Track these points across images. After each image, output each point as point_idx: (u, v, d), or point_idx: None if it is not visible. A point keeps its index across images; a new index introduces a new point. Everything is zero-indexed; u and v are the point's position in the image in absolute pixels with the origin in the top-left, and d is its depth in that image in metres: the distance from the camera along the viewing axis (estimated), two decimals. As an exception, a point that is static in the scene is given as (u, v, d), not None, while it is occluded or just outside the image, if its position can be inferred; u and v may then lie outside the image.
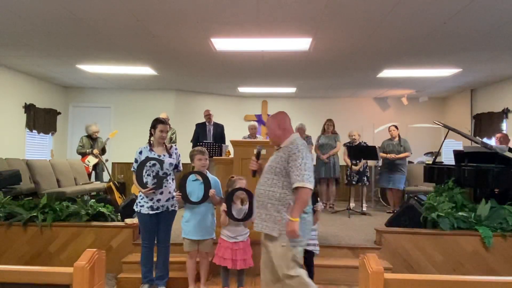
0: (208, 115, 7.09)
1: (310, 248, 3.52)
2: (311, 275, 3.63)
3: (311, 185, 2.63)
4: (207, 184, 3.54)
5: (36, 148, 8.16)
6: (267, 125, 3.03)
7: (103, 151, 7.42)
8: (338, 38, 5.13)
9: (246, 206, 3.51)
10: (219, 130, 7.10)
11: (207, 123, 7.09)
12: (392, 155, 6.64)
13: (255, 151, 3.14)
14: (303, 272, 2.69)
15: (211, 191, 3.54)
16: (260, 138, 7.54)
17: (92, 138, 7.34)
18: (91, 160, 7.23)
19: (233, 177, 3.66)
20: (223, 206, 3.48)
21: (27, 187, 6.16)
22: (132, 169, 3.67)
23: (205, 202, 3.58)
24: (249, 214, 3.45)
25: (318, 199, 3.60)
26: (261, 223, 2.77)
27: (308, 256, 3.59)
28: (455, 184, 4.68)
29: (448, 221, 4.22)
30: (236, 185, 3.53)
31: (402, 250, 4.24)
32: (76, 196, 5.37)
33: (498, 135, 6.18)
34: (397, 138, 6.80)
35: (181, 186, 3.55)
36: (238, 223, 3.49)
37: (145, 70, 7.12)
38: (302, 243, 2.71)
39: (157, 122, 3.66)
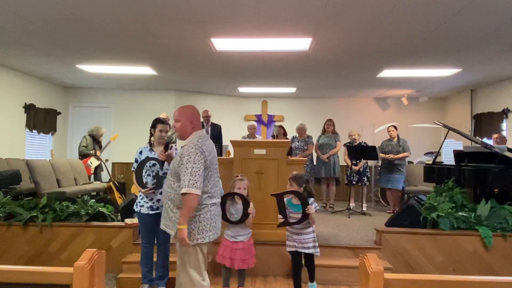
0: (206, 116, 7.08)
1: (310, 251, 3.50)
2: (311, 277, 3.62)
3: (196, 191, 2.54)
4: None
5: (36, 148, 8.16)
6: (176, 117, 2.79)
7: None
8: (338, 38, 5.13)
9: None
10: (217, 131, 7.11)
11: (205, 124, 7.09)
12: (391, 156, 6.64)
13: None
14: (197, 280, 2.65)
15: None
16: (259, 138, 7.54)
17: (95, 139, 7.32)
18: (94, 162, 7.21)
19: (237, 176, 3.66)
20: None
21: (27, 187, 6.16)
22: (132, 169, 3.67)
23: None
24: (243, 216, 3.45)
25: (313, 199, 3.55)
26: (163, 221, 2.81)
27: (309, 258, 3.57)
28: (455, 184, 4.68)
29: (448, 221, 4.22)
30: (235, 185, 3.53)
31: (402, 250, 4.24)
32: (76, 196, 5.37)
33: (495, 135, 6.17)
34: (396, 139, 6.80)
35: None
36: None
37: (145, 70, 7.12)
38: (204, 240, 2.66)
39: (157, 122, 3.66)
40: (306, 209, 3.41)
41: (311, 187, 3.66)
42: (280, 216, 3.50)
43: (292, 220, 3.49)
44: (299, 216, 3.45)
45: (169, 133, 3.81)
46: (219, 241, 3.68)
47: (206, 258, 2.74)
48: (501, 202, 4.41)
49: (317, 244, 3.56)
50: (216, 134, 7.06)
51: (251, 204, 3.48)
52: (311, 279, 3.63)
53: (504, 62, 6.17)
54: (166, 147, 3.30)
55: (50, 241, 4.39)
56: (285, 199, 3.57)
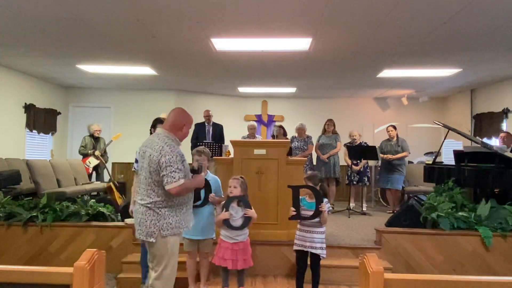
0: (207, 116, 7.08)
1: (317, 251, 3.49)
2: (315, 283, 3.58)
3: None
4: (207, 186, 3.52)
5: (36, 148, 8.16)
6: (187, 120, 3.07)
7: (105, 152, 7.45)
8: (338, 38, 5.13)
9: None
10: (218, 130, 7.10)
11: (206, 123, 7.09)
12: (389, 156, 6.64)
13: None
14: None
15: (211, 196, 3.53)
16: (259, 138, 7.54)
17: (94, 138, 7.35)
18: (92, 162, 7.24)
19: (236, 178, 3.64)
20: (220, 211, 3.46)
21: (27, 187, 6.16)
22: (133, 169, 3.68)
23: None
24: (246, 221, 3.44)
25: (327, 200, 3.54)
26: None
27: (315, 260, 3.55)
28: (455, 184, 4.68)
29: (448, 221, 4.22)
30: (229, 184, 3.53)
31: (402, 250, 4.24)
32: (76, 196, 5.37)
33: (502, 134, 6.16)
34: (395, 139, 6.80)
35: None
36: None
37: (145, 70, 7.12)
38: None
39: (157, 122, 3.67)
40: (320, 206, 3.40)
41: (325, 187, 3.66)
42: (292, 209, 3.48)
43: (303, 216, 3.48)
44: (311, 213, 3.45)
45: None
46: (215, 241, 3.68)
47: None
48: (501, 202, 4.42)
49: (324, 246, 3.53)
50: (218, 133, 7.07)
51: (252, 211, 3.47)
52: (315, 286, 3.58)
53: (504, 62, 6.17)
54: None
55: (50, 241, 4.40)
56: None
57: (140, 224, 2.79)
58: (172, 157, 2.72)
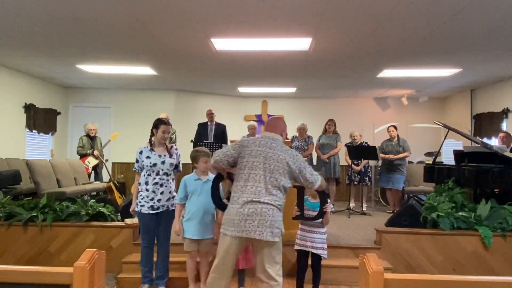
0: (210, 114, 7.09)
1: (318, 251, 3.49)
2: (316, 283, 3.58)
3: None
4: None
5: (36, 148, 8.16)
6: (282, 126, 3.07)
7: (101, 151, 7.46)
8: (338, 38, 5.13)
9: None
10: (220, 130, 7.10)
11: (209, 123, 7.09)
12: (391, 156, 6.64)
13: None
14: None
15: None
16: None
17: (90, 137, 7.35)
18: (91, 161, 7.24)
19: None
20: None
21: (27, 187, 6.16)
22: (134, 169, 3.68)
23: (205, 202, 3.55)
24: None
25: (330, 200, 3.54)
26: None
27: (316, 260, 3.55)
28: (455, 184, 4.68)
29: (448, 221, 4.22)
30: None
31: (402, 250, 4.24)
32: (76, 196, 5.37)
33: (501, 134, 6.16)
34: (396, 139, 6.80)
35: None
36: None
37: (145, 70, 7.12)
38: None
39: (159, 122, 3.65)
40: (324, 207, 3.40)
41: (328, 187, 3.65)
42: (296, 209, 3.47)
43: (307, 216, 3.48)
44: (314, 214, 3.45)
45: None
46: (215, 241, 3.67)
47: None
48: (501, 202, 4.41)
49: (326, 246, 3.53)
50: (220, 133, 7.06)
51: None
52: (315, 285, 3.57)
53: (504, 62, 6.17)
54: None
55: (50, 241, 4.39)
56: None
57: (271, 226, 2.68)
58: (303, 159, 2.91)
